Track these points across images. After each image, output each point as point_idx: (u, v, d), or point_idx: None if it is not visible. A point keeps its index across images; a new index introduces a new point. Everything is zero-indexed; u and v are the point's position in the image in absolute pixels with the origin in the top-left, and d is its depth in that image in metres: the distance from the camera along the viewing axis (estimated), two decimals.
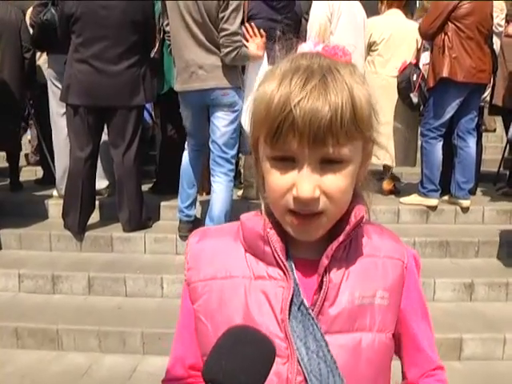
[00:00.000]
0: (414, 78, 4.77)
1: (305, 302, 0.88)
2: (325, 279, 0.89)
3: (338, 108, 0.78)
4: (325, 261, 0.89)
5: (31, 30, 4.97)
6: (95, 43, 4.15)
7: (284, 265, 0.90)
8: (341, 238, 0.88)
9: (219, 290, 0.93)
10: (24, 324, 3.43)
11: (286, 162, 0.83)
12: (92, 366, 3.22)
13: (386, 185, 5.26)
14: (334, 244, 0.88)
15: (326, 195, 0.83)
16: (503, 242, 4.29)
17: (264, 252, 0.91)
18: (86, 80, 4.17)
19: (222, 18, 3.71)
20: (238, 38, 3.76)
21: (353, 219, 0.89)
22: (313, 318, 0.87)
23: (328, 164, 0.82)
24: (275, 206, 0.87)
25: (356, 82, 0.83)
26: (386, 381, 0.97)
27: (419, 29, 4.74)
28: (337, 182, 0.83)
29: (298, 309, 0.88)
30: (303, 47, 0.90)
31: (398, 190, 5.29)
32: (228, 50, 3.72)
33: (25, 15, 5.25)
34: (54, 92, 4.85)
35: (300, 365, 0.86)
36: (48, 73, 4.93)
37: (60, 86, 4.67)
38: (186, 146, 4.21)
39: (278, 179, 0.83)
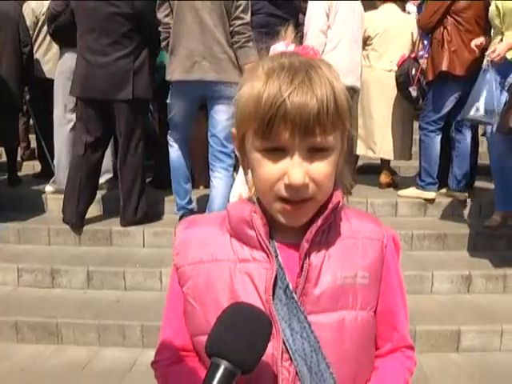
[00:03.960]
0: (413, 71, 4.77)
1: (290, 285, 0.93)
2: (305, 262, 0.94)
3: (324, 100, 0.85)
4: (305, 245, 0.94)
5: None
6: (87, 35, 4.18)
7: (267, 247, 0.94)
8: (319, 223, 0.94)
9: (206, 272, 0.98)
10: (23, 318, 3.44)
11: (277, 153, 0.88)
12: (92, 359, 3.24)
13: (384, 178, 5.26)
14: (313, 228, 0.94)
15: (313, 181, 0.88)
16: (500, 235, 4.29)
17: (248, 236, 0.96)
18: (80, 72, 4.23)
19: (239, 6, 3.77)
20: (250, 28, 3.83)
21: (330, 204, 0.94)
22: (296, 302, 0.92)
23: (315, 152, 0.88)
24: (265, 195, 0.92)
25: (334, 76, 0.90)
26: (371, 355, 1.03)
27: (418, 22, 4.76)
28: (323, 168, 0.89)
29: (284, 292, 0.93)
30: (276, 47, 0.96)
31: (395, 184, 5.29)
32: (245, 38, 3.77)
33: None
34: (63, 85, 4.74)
35: (285, 345, 0.91)
36: (63, 66, 4.83)
37: None
38: (170, 142, 4.16)
39: (269, 169, 0.88)
